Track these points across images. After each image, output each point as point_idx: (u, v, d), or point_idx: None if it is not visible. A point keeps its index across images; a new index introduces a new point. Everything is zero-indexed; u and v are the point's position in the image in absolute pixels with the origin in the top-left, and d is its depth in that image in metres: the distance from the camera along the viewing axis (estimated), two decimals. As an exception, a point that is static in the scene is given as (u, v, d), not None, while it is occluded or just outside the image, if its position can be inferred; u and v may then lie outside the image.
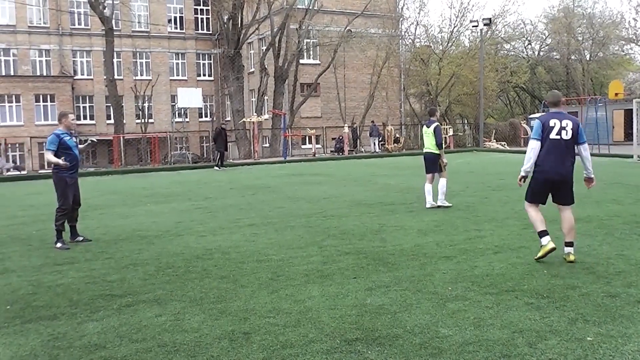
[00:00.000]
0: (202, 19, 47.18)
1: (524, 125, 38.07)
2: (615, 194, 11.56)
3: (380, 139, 35.03)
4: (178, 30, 46.21)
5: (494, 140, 36.67)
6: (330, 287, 5.45)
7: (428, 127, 10.71)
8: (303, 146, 37.39)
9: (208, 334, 4.31)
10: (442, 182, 10.54)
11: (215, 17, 41.94)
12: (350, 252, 6.91)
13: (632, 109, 24.34)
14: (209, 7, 45.49)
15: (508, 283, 5.38)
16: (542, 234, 6.15)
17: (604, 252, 6.50)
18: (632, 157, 22.00)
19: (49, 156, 8.01)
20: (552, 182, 6.19)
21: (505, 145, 35.68)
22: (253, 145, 31.93)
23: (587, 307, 4.63)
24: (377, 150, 34.18)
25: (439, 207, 10.34)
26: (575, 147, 6.19)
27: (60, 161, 7.88)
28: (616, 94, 29.61)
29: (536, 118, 6.42)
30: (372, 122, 36.08)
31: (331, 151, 34.87)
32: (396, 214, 9.86)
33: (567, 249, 6.16)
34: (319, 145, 35.59)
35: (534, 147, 6.17)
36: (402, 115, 44.00)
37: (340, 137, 33.69)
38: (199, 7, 46.73)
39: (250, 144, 33.84)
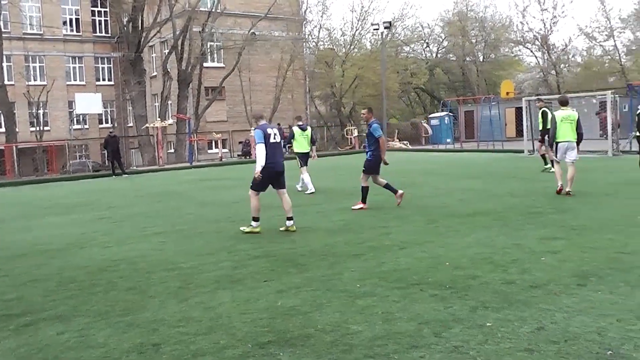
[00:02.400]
0: (100, 21, 45.32)
1: (425, 125, 39.54)
2: (510, 187, 12.29)
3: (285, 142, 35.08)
4: (74, 32, 44.11)
5: (397, 140, 37.76)
6: (241, 291, 5.43)
7: (304, 130, 13.59)
8: (209, 151, 36.85)
9: (115, 348, 4.16)
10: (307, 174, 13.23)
11: (114, 19, 40.41)
12: (260, 256, 6.91)
13: (522, 107, 25.89)
14: (107, 9, 43.78)
15: (414, 277, 5.59)
16: (256, 219, 8.33)
17: (500, 243, 6.90)
18: (523, 152, 23.43)
19: None
20: (275, 174, 8.30)
21: (408, 144, 36.87)
22: (157, 151, 31.10)
23: (486, 295, 4.90)
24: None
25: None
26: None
27: None
28: (507, 93, 31.47)
29: (255, 129, 8.21)
30: (278, 124, 36.13)
31: (238, 155, 34.58)
32: (306, 215, 9.96)
33: (289, 222, 8.37)
34: (225, 150, 35.20)
35: (262, 149, 8.02)
36: (308, 117, 44.41)
37: (247, 141, 33.48)
38: (96, 9, 44.83)
39: (154, 150, 32.92)
